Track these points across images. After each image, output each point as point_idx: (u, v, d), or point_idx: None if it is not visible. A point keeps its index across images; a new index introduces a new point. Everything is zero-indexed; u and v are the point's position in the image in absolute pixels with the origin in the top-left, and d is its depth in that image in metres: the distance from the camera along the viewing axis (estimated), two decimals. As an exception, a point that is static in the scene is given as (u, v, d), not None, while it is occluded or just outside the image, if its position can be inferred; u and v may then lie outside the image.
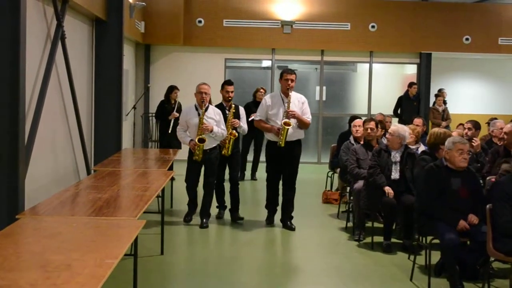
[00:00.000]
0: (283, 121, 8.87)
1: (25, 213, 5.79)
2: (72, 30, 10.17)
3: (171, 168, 9.35)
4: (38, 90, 8.58)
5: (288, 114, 8.90)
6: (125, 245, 4.63)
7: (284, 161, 9.24)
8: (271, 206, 9.67)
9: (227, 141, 9.61)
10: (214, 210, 9.87)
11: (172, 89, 13.43)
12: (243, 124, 9.93)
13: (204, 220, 9.40)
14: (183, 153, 10.69)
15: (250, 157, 13.99)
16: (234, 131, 9.68)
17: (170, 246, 8.03)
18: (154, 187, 7.21)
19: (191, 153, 9.29)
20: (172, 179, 10.49)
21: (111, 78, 11.63)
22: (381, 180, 8.16)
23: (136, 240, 5.34)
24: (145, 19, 16.28)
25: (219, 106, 9.77)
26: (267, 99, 9.34)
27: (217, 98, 10.03)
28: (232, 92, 9.81)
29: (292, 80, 9.06)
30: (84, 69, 11.26)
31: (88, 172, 10.62)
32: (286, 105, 8.98)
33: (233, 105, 9.75)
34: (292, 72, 9.17)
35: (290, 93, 9.01)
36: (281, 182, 9.51)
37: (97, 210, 5.83)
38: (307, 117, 9.22)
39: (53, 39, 9.25)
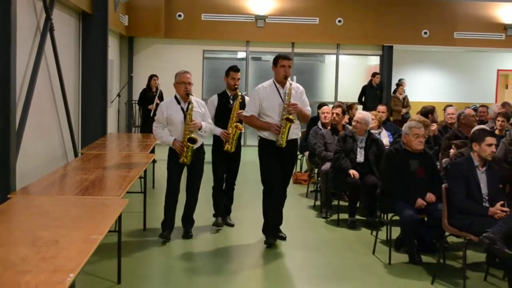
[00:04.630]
0: (284, 117, 6.90)
1: (16, 193, 5.77)
2: (60, 22, 10.08)
3: (152, 151, 9.32)
4: (28, 78, 8.49)
5: (290, 108, 6.94)
6: (109, 222, 4.64)
7: (283, 164, 7.17)
8: (272, 228, 7.39)
9: (231, 135, 7.81)
10: (205, 218, 8.21)
11: (151, 77, 13.42)
12: None
13: (188, 229, 7.58)
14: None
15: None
16: (240, 124, 7.81)
17: (152, 223, 7.97)
18: (137, 169, 7.21)
19: (172, 154, 7.34)
20: (154, 161, 10.44)
21: (96, 67, 11.53)
22: (345, 164, 8.20)
23: (120, 217, 5.33)
24: (128, 13, 16.17)
25: (223, 94, 8.05)
26: (259, 91, 7.14)
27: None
28: (238, 79, 8.03)
29: (289, 67, 7.08)
30: (72, 59, 11.16)
31: (76, 155, 10.54)
32: (284, 97, 7.00)
33: (239, 94, 7.89)
34: (288, 57, 7.17)
35: (289, 83, 7.07)
36: None
37: (83, 190, 5.83)
38: (307, 109, 7.26)
39: (42, 31, 9.14)
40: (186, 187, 7.54)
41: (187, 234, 7.50)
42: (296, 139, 7.29)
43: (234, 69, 7.99)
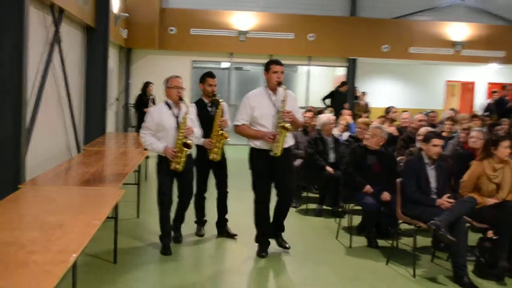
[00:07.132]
0: (280, 125, 5.92)
1: (26, 183, 5.76)
2: (67, 35, 10.04)
3: (146, 149, 9.30)
4: (38, 83, 8.47)
5: (285, 116, 5.93)
6: (108, 209, 4.66)
7: (279, 174, 6.12)
8: (264, 238, 6.37)
9: (217, 144, 6.63)
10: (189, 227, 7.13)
11: (147, 84, 13.35)
12: (229, 121, 6.75)
13: (177, 234, 6.71)
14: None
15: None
16: (225, 132, 6.64)
17: (144, 211, 7.99)
18: (132, 164, 7.22)
19: (162, 163, 6.18)
20: (147, 157, 10.43)
21: (98, 75, 11.52)
22: (322, 163, 8.27)
23: (116, 205, 5.35)
24: (127, 27, 16.12)
25: (199, 102, 6.85)
26: (250, 98, 6.14)
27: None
28: (215, 86, 6.77)
29: (282, 72, 6.09)
30: (77, 67, 11.11)
31: (79, 151, 10.52)
32: (279, 104, 6.04)
33: (220, 101, 6.63)
34: (281, 63, 6.17)
35: (283, 89, 6.06)
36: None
37: (85, 182, 5.83)
38: (299, 117, 6.34)
39: (51, 42, 9.12)
40: (179, 196, 6.53)
41: (176, 239, 6.63)
42: (289, 148, 6.26)
43: (210, 75, 6.83)
